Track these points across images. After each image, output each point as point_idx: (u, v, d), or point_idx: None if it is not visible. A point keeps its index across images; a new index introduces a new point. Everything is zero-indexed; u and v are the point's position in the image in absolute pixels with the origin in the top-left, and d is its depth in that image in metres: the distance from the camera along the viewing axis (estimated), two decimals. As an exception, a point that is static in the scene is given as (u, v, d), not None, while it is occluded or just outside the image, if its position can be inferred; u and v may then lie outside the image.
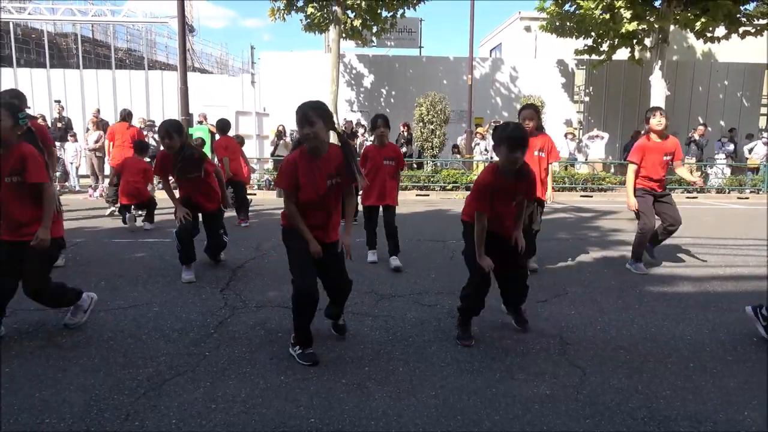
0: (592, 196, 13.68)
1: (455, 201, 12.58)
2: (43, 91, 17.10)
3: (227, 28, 76.77)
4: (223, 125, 8.17)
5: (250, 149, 13.92)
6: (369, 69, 18.38)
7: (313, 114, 2.84)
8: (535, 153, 4.98)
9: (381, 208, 5.43)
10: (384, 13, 15.08)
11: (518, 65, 18.77)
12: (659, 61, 14.94)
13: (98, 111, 14.00)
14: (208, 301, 4.17)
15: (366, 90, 18.41)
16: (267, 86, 17.40)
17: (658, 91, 14.94)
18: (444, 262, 5.60)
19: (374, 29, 15.35)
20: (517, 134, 3.08)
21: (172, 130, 4.66)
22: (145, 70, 18.65)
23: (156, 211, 7.70)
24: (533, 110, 4.99)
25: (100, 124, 12.81)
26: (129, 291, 4.38)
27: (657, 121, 5.02)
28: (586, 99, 19.11)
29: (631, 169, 5.20)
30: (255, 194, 12.28)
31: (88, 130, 13.13)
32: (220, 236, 5.20)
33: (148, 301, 4.11)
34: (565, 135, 15.48)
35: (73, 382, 2.77)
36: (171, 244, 6.21)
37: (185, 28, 14.10)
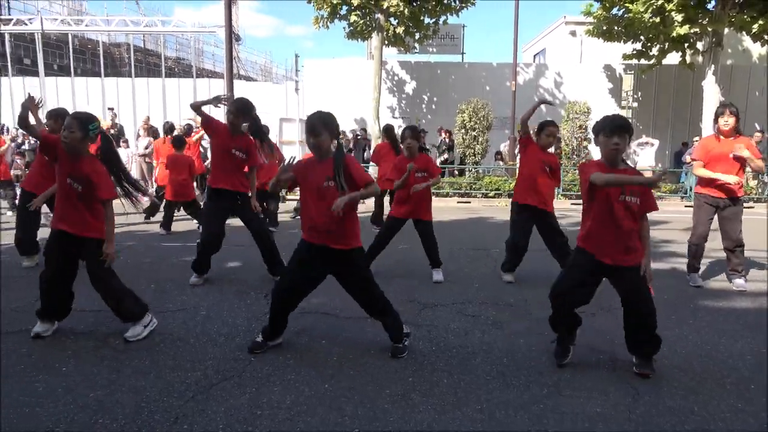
0: (753, 207, 13.10)
1: (498, 208, 12.43)
2: (98, 98, 17.83)
3: (271, 36, 78.51)
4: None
5: (293, 154, 14.12)
6: (411, 75, 18.41)
7: (320, 125, 3.09)
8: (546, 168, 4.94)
9: (414, 225, 5.17)
10: (426, 20, 15.09)
11: (563, 70, 18.44)
12: (712, 66, 14.39)
13: (148, 118, 14.49)
14: (253, 306, 4.23)
15: (408, 96, 18.44)
16: (310, 93, 17.65)
17: (711, 97, 14.38)
18: (487, 272, 5.52)
19: (417, 36, 15.38)
20: (618, 121, 3.01)
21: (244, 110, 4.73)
22: (193, 78, 19.21)
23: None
24: (555, 127, 5.00)
25: (150, 131, 13.26)
26: (177, 294, 4.50)
27: (724, 121, 4.74)
28: (635, 105, 18.58)
29: (698, 164, 4.89)
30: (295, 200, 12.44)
31: (138, 136, 13.59)
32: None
33: (196, 305, 4.21)
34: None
35: (125, 383, 2.85)
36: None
37: (232, 37, 14.47)
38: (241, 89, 16.51)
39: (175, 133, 10.01)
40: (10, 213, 9.06)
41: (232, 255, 5.86)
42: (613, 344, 3.48)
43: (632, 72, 18.04)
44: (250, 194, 4.93)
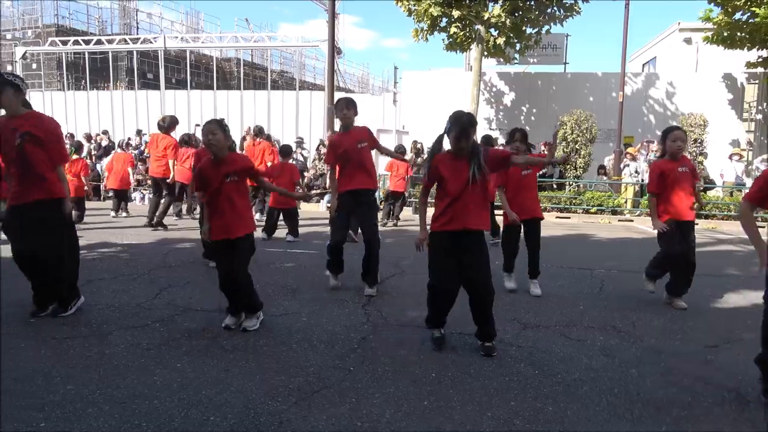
0: (764, 227, 12.03)
1: (600, 225, 11.82)
2: (210, 110, 19.09)
3: (368, 48, 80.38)
4: (285, 150, 8.41)
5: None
6: (510, 86, 18.05)
7: (472, 130, 3.40)
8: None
9: (523, 226, 5.10)
10: (528, 30, 14.73)
11: (675, 80, 17.25)
12: None
13: (250, 128, 15.27)
14: (351, 315, 4.29)
15: (506, 108, 18.09)
16: (407, 104, 17.81)
17: None
18: (592, 293, 5.23)
19: (517, 47, 15.06)
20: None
21: None
22: (296, 90, 20.07)
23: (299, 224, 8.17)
24: (682, 131, 4.71)
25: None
26: (281, 300, 4.66)
27: None
28: (758, 117, 16.98)
29: None
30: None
31: (244, 140, 14.36)
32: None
33: (297, 311, 4.33)
34: (730, 156, 13.82)
35: (233, 383, 2.98)
36: (315, 255, 6.57)
37: (334, 50, 14.97)
38: (340, 101, 17.00)
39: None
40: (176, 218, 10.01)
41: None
42: (738, 381, 3.15)
43: (756, 81, 16.52)
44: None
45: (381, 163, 11.83)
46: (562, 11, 14.45)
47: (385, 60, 77.37)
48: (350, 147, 4.88)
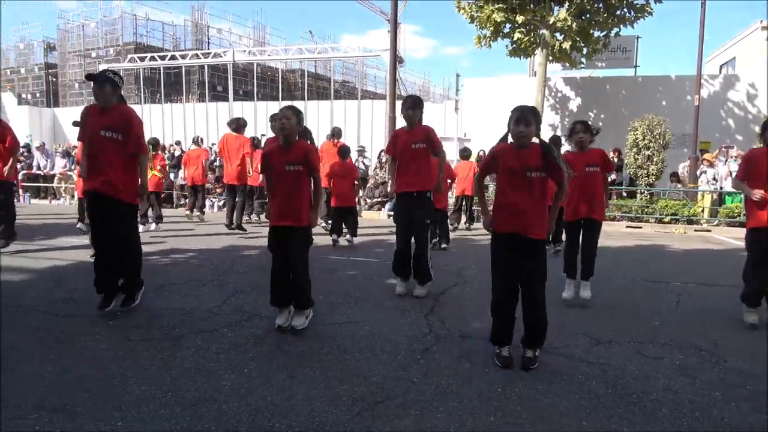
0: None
1: (674, 236, 11.21)
2: (275, 120, 19.68)
3: (428, 57, 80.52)
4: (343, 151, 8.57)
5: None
6: (576, 92, 17.53)
7: (531, 116, 3.28)
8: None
9: (583, 225, 4.89)
10: (596, 33, 14.26)
11: (758, 81, 16.18)
12: None
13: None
14: (414, 325, 4.25)
15: (572, 113, 17.55)
16: (469, 112, 17.65)
17: None
18: (669, 308, 4.94)
19: (584, 51, 14.60)
20: None
21: None
22: (358, 99, 20.33)
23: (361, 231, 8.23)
24: None
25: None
26: (344, 308, 4.69)
27: None
28: None
29: None
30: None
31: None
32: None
33: (360, 320, 4.33)
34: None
35: (298, 390, 3.00)
36: (377, 264, 6.58)
37: (396, 60, 15.06)
38: (402, 109, 17.07)
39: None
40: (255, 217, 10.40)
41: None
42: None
43: None
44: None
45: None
46: (632, 13, 13.91)
47: (445, 68, 77.52)
48: (405, 146, 4.93)
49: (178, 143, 18.40)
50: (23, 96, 27.74)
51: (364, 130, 19.15)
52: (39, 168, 16.51)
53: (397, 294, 5.09)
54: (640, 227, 12.11)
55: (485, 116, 16.61)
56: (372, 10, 33.28)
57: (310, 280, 4.03)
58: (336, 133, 10.54)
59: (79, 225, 8.30)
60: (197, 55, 21.30)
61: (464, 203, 10.90)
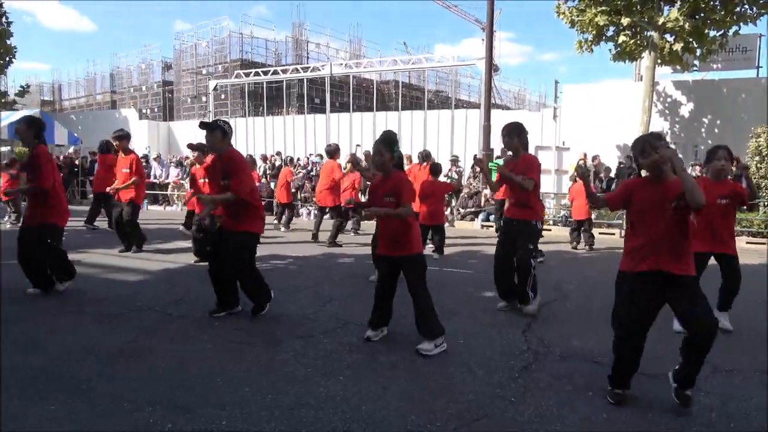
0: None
1: (805, 254, 10.02)
2: (369, 131, 20.02)
3: (523, 63, 78.38)
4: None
5: (546, 184, 13.73)
6: (687, 96, 16.27)
7: (658, 142, 2.97)
8: None
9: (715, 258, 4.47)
10: (712, 33, 13.17)
11: None
12: None
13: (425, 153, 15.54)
14: (510, 341, 4.10)
15: (682, 119, 16.33)
16: (567, 119, 16.95)
17: None
18: (801, 335, 4.40)
19: (698, 52, 13.53)
20: None
21: None
22: (452, 109, 20.21)
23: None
24: None
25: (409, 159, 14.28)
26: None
27: None
28: None
29: None
30: (549, 230, 11.95)
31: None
32: None
33: (454, 332, 4.23)
34: None
35: (392, 402, 2.99)
36: (470, 275, 6.46)
37: (491, 68, 14.82)
38: (496, 118, 16.73)
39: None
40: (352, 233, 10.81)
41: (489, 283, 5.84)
42: None
43: None
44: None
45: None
46: (754, 9, 12.70)
47: (541, 74, 75.21)
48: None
49: (278, 153, 19.27)
50: (143, 111, 30.33)
51: (458, 139, 18.98)
52: (155, 177, 17.94)
53: (498, 308, 4.97)
54: (763, 243, 10.97)
55: (585, 123, 15.90)
56: (466, 19, 33.02)
57: (431, 304, 3.90)
58: (425, 157, 10.44)
59: (181, 228, 8.89)
60: (297, 70, 22.22)
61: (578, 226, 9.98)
